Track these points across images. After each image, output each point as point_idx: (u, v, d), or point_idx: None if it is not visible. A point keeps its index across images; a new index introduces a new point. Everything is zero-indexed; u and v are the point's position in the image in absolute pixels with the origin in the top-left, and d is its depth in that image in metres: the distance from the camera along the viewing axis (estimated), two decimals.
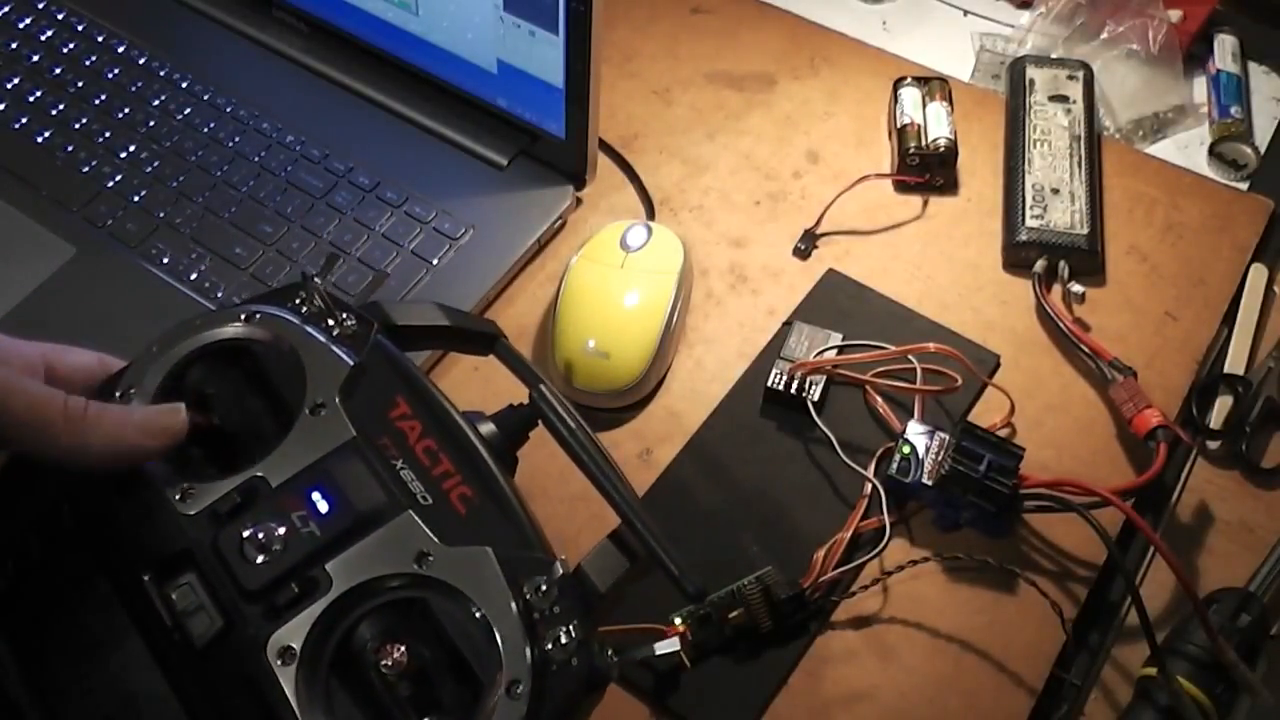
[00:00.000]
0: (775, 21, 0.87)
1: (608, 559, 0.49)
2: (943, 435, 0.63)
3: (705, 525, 0.63)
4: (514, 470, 0.53)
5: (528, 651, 0.44)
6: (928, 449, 0.63)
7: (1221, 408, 0.68)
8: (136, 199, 0.75)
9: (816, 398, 0.66)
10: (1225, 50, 0.84)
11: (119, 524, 0.47)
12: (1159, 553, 0.59)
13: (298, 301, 0.52)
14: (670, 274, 0.69)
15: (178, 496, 0.46)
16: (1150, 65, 0.82)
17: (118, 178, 0.76)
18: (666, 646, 0.53)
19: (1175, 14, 0.84)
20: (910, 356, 0.67)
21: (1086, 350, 0.69)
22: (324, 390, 0.49)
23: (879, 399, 0.67)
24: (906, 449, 0.63)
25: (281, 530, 0.45)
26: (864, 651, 0.60)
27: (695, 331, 0.71)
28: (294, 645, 0.44)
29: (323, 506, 0.46)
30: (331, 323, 0.51)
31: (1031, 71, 0.80)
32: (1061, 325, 0.70)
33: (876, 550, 0.61)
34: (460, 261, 0.73)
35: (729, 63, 0.85)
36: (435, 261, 0.72)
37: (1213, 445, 0.67)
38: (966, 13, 0.89)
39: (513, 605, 0.45)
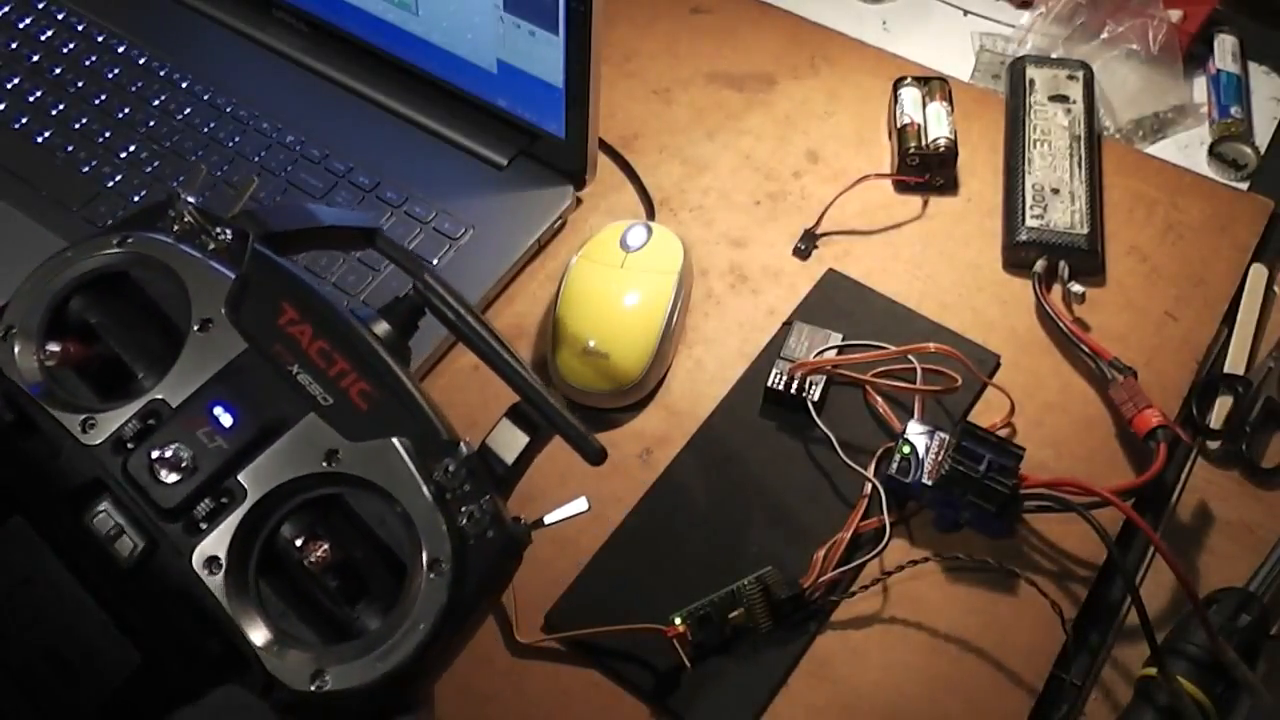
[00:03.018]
0: (775, 21, 0.87)
1: (510, 434, 0.50)
2: (943, 435, 0.63)
3: (705, 525, 0.63)
4: (408, 360, 0.54)
5: (444, 530, 0.46)
6: (928, 449, 0.63)
7: (1221, 408, 0.68)
8: (137, 199, 0.75)
9: (816, 398, 0.66)
10: (1225, 50, 0.84)
11: (26, 464, 0.48)
12: (1159, 553, 0.59)
13: (170, 220, 0.52)
14: (670, 274, 0.69)
15: (79, 429, 0.48)
16: (1150, 65, 0.82)
17: (118, 178, 0.76)
18: (573, 508, 0.53)
19: (1175, 14, 0.84)
20: (910, 356, 0.67)
21: (1086, 350, 0.69)
22: (209, 306, 0.50)
23: (879, 399, 0.67)
24: (906, 449, 0.63)
25: (189, 448, 0.47)
26: (864, 651, 0.60)
27: (695, 331, 0.71)
28: (219, 555, 0.46)
29: (226, 420, 0.48)
30: (206, 238, 0.51)
31: (1031, 71, 0.80)
32: (1061, 325, 0.70)
33: (876, 550, 0.61)
34: (460, 261, 0.73)
35: (729, 63, 0.85)
36: (435, 261, 0.72)
37: (1213, 445, 0.67)
38: (966, 13, 0.89)
39: (424, 489, 0.47)
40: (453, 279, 0.71)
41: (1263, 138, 0.81)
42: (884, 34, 0.88)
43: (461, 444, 0.48)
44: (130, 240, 0.51)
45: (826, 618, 0.61)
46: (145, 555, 0.46)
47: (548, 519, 0.52)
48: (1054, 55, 0.83)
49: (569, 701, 0.59)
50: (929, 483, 0.62)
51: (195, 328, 0.49)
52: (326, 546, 0.47)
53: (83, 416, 0.48)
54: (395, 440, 0.47)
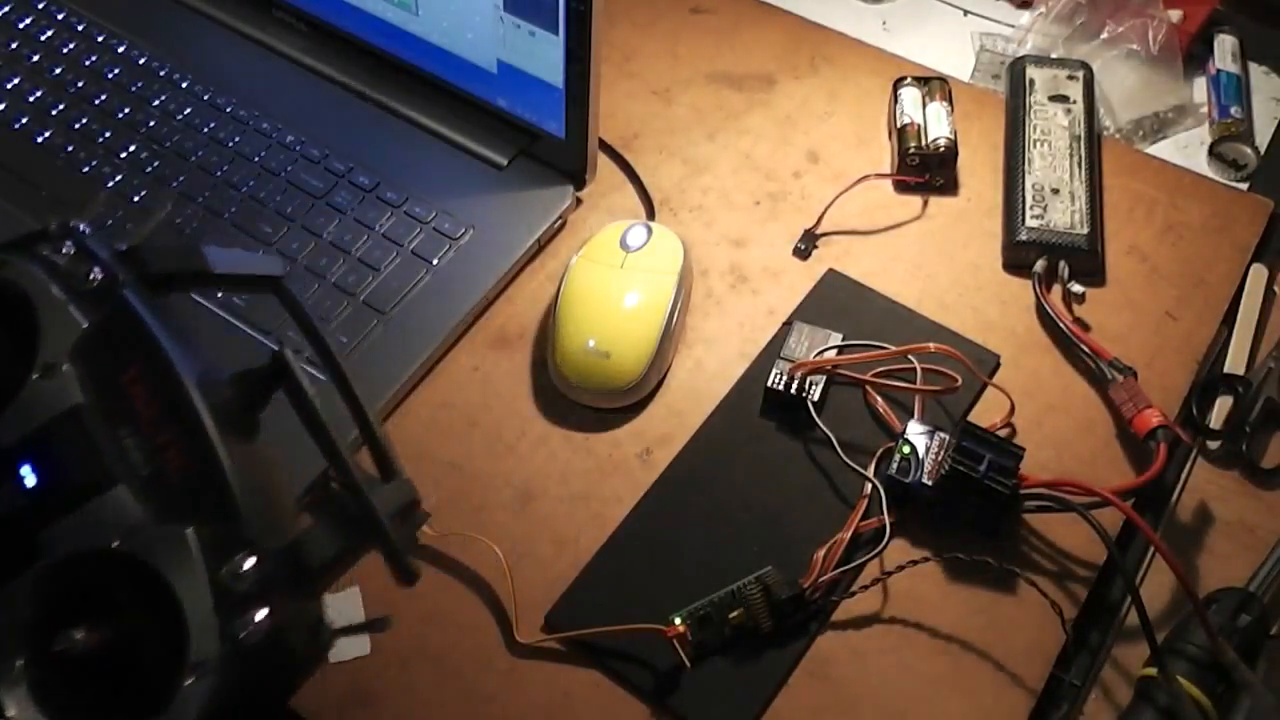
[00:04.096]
0: (775, 21, 0.87)
1: (327, 535, 0.47)
2: (943, 435, 0.63)
3: (705, 525, 0.63)
4: (254, 432, 0.50)
5: (216, 633, 0.43)
6: (928, 449, 0.63)
7: (1221, 408, 0.68)
8: (137, 199, 0.75)
9: (816, 398, 0.66)
10: (1225, 50, 0.84)
11: None
12: (1159, 553, 0.59)
13: (50, 249, 0.49)
14: (670, 274, 0.69)
15: None
16: (1150, 65, 0.82)
17: (118, 178, 0.76)
18: (379, 626, 0.50)
19: (1175, 14, 0.84)
20: (910, 356, 0.67)
21: (1086, 350, 0.69)
22: (55, 352, 0.47)
23: (879, 399, 0.67)
24: (906, 449, 0.63)
25: None
26: (864, 651, 0.60)
27: (695, 331, 0.71)
28: None
29: (30, 479, 0.45)
30: (77, 277, 0.48)
31: (1031, 71, 0.80)
32: (1061, 325, 0.70)
33: (876, 550, 0.61)
34: (460, 261, 0.73)
35: (729, 63, 0.85)
36: (435, 261, 0.72)
37: (1213, 445, 0.67)
38: (966, 13, 0.89)
39: (206, 585, 0.44)
40: (453, 279, 0.72)
41: (1263, 138, 0.81)
42: (884, 34, 0.88)
43: (263, 542, 0.45)
44: (2, 265, 0.48)
45: (826, 618, 0.61)
46: None
47: (333, 656, 0.49)
48: (1054, 55, 0.83)
49: (569, 701, 0.59)
50: (929, 483, 0.62)
51: (36, 373, 0.46)
52: (95, 632, 0.43)
53: None
54: (190, 530, 0.44)
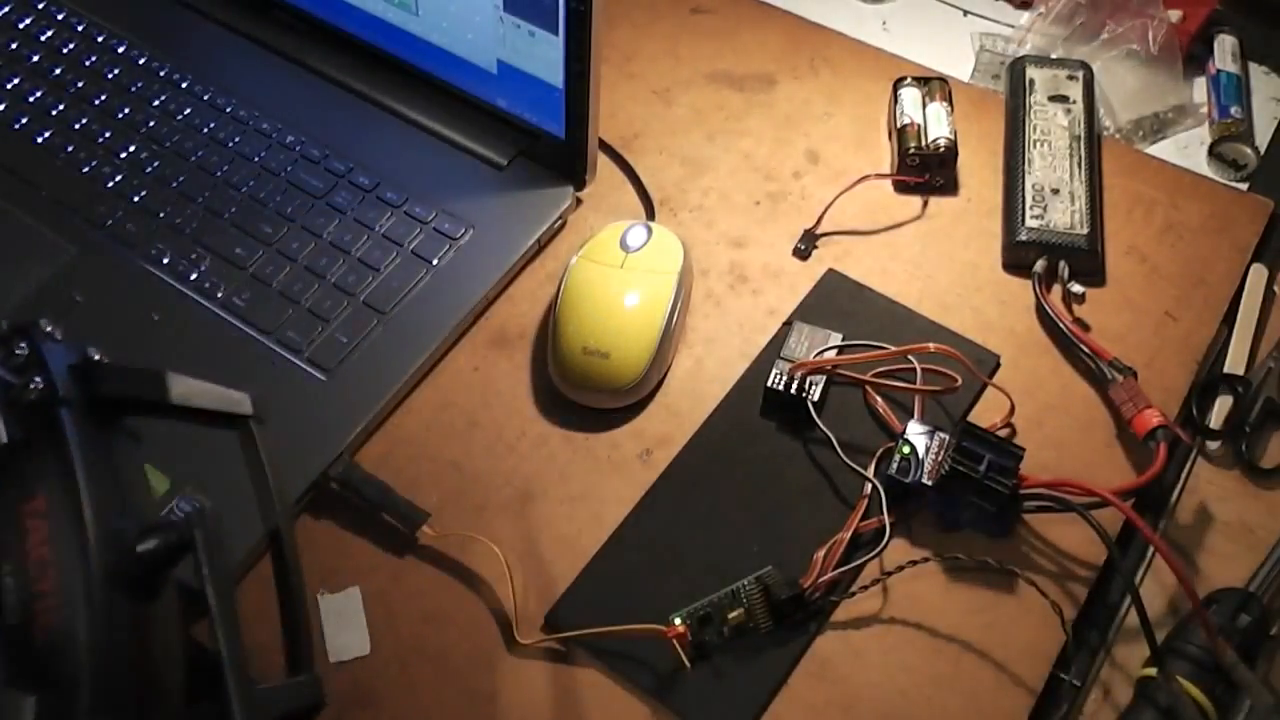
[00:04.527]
0: (775, 21, 0.87)
1: None
2: (943, 435, 0.63)
3: (705, 525, 0.63)
4: (153, 597, 0.44)
5: None
6: (928, 449, 0.63)
7: (1221, 408, 0.68)
8: (137, 199, 0.75)
9: (816, 398, 0.66)
10: (1225, 50, 0.84)
11: None
12: (1159, 553, 0.59)
13: (1, 349, 0.45)
14: (670, 274, 0.69)
15: None
16: (1150, 65, 0.82)
17: (118, 178, 0.76)
18: (346, 602, 0.47)
19: (1175, 14, 0.84)
20: (910, 356, 0.67)
21: (1086, 350, 0.69)
22: None
23: (879, 399, 0.67)
24: (906, 449, 0.63)
25: None
26: (864, 651, 0.60)
27: (695, 331, 0.71)
28: None
29: None
30: (16, 384, 0.44)
31: (1031, 71, 0.80)
32: (1061, 325, 0.70)
33: (876, 550, 0.61)
34: (460, 261, 0.73)
35: (729, 63, 0.85)
36: (435, 261, 0.72)
37: (1213, 445, 0.67)
38: (966, 13, 0.89)
39: None
40: (453, 279, 0.72)
41: (1263, 138, 0.81)
42: (884, 34, 0.88)
43: None
44: None
45: (826, 618, 0.61)
46: None
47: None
48: (1054, 55, 0.83)
49: (569, 701, 0.59)
50: (929, 483, 0.62)
51: None
52: None
53: None
54: (31, 701, 0.39)
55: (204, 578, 0.44)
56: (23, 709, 0.39)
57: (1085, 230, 0.73)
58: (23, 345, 0.45)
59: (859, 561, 0.61)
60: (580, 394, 0.67)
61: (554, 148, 0.75)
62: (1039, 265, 0.72)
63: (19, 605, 0.41)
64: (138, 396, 0.47)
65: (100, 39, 0.83)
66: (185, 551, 0.44)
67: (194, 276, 0.72)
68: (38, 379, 0.44)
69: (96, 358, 0.47)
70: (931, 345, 0.66)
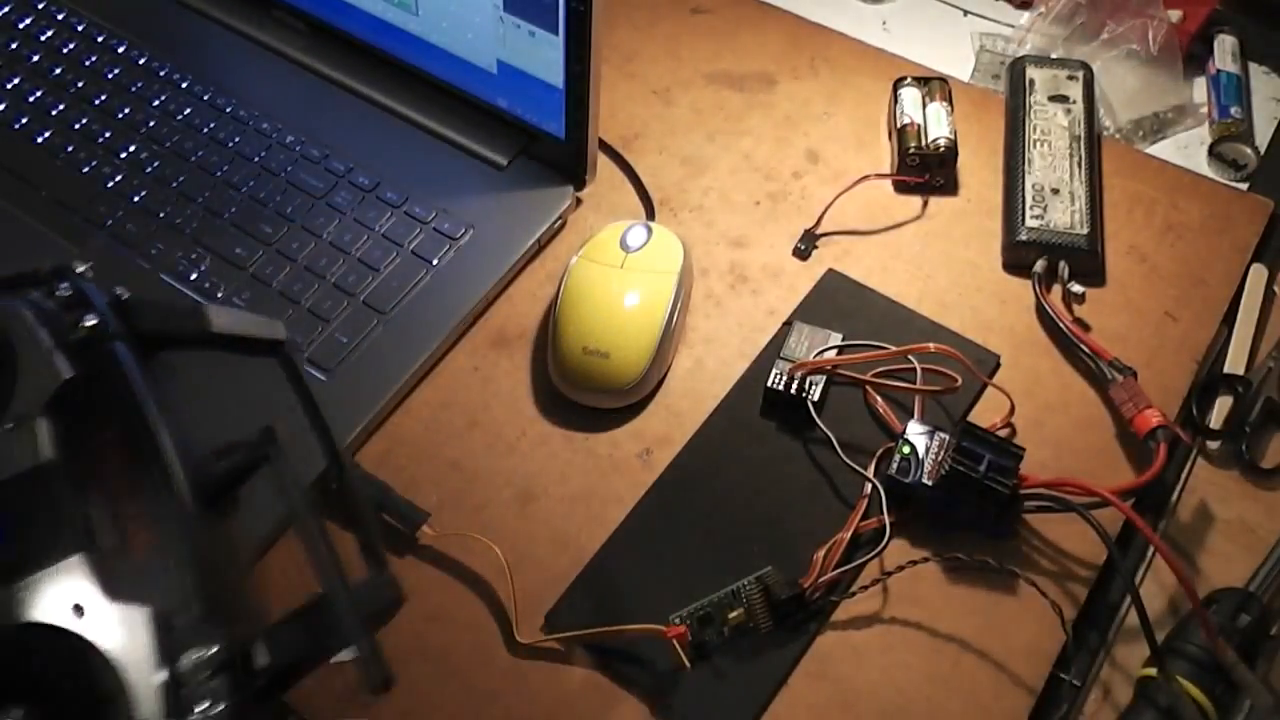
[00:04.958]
0: (775, 21, 0.87)
1: (289, 636, 0.43)
2: (943, 435, 0.63)
3: (705, 525, 0.63)
4: (233, 509, 0.47)
5: None
6: (928, 449, 0.63)
7: (1221, 408, 0.68)
8: (137, 199, 0.75)
9: (816, 398, 0.66)
10: (1225, 50, 0.84)
11: None
12: (1159, 553, 0.59)
13: (42, 291, 0.46)
14: (670, 274, 0.69)
15: None
16: (1150, 65, 0.82)
17: (118, 178, 0.76)
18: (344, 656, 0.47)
19: (1175, 14, 0.84)
20: (910, 356, 0.67)
21: (1086, 350, 0.69)
22: (29, 403, 0.43)
23: (879, 399, 0.67)
24: (906, 449, 0.63)
25: None
26: (864, 652, 0.60)
27: (695, 331, 0.71)
28: None
29: None
30: (67, 324, 0.45)
31: (1031, 71, 0.80)
32: (1061, 325, 0.70)
33: (876, 550, 0.61)
34: (460, 261, 0.73)
35: (729, 63, 0.85)
36: (435, 261, 0.72)
37: (1213, 445, 0.67)
38: (966, 13, 0.89)
39: (156, 676, 0.40)
40: (453, 279, 0.72)
41: (1263, 138, 0.81)
42: (884, 34, 0.88)
43: (221, 635, 0.41)
44: None
45: (826, 618, 0.61)
46: None
47: None
48: (1054, 55, 0.83)
49: (569, 701, 0.59)
50: (929, 483, 0.62)
51: (9, 424, 0.43)
52: (21, 714, 0.40)
53: None
54: (149, 611, 0.41)
55: (286, 486, 0.45)
56: (143, 624, 0.41)
57: (1085, 230, 0.73)
58: (65, 285, 0.46)
59: (859, 561, 0.61)
60: (580, 394, 0.67)
61: (554, 148, 0.75)
62: (1039, 265, 0.72)
63: (112, 530, 0.42)
64: (180, 328, 0.48)
65: (100, 39, 0.83)
66: (258, 467, 0.46)
67: (194, 276, 0.72)
68: (86, 316, 0.45)
69: (126, 296, 0.48)
70: (931, 345, 0.66)
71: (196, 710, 0.40)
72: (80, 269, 0.47)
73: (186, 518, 0.43)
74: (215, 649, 0.41)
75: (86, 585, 0.41)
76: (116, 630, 0.41)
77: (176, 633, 0.41)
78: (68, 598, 0.41)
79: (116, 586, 0.41)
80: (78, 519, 0.42)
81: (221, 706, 0.40)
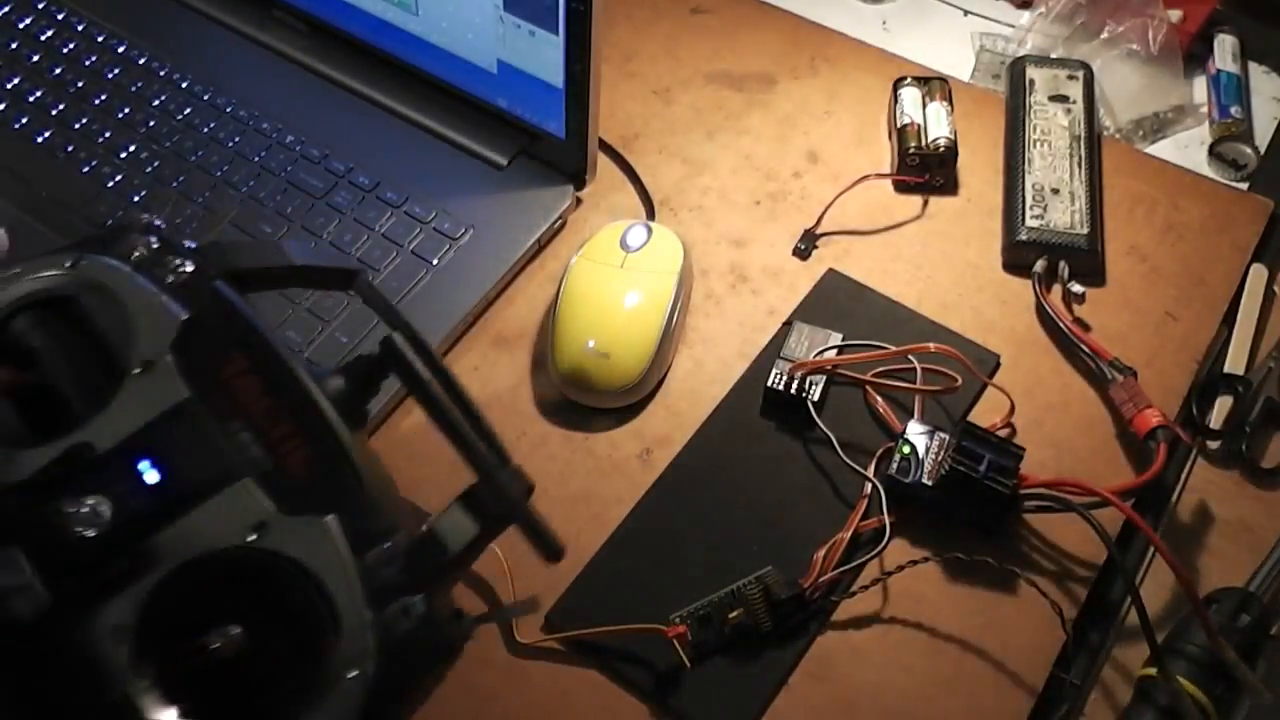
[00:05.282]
0: (775, 21, 0.87)
1: (459, 520, 0.46)
2: (943, 435, 0.63)
3: (705, 525, 0.63)
4: (364, 423, 0.50)
5: (370, 624, 0.42)
6: (928, 449, 0.63)
7: (1221, 408, 0.68)
8: (137, 199, 0.75)
9: (816, 398, 0.66)
10: (1225, 50, 0.84)
11: None
12: (1159, 553, 0.59)
13: (129, 245, 0.48)
14: (670, 274, 0.69)
15: None
16: (1150, 65, 0.82)
17: (118, 178, 0.76)
18: (521, 610, 0.49)
19: (1175, 14, 0.84)
20: (910, 356, 0.67)
21: (1086, 350, 0.69)
22: (153, 346, 0.45)
23: (879, 399, 0.67)
24: (906, 449, 0.63)
25: (108, 502, 0.42)
26: (864, 651, 0.60)
27: (695, 331, 0.71)
28: (125, 623, 0.42)
29: (151, 476, 0.43)
30: (164, 270, 0.47)
31: (1031, 71, 0.80)
32: (1061, 325, 0.70)
33: (876, 550, 0.61)
34: (460, 261, 0.73)
35: (729, 63, 0.85)
36: (435, 261, 0.72)
37: (1213, 445, 0.67)
38: (966, 13, 0.89)
39: (354, 576, 0.43)
40: (453, 279, 0.72)
41: (1263, 138, 0.81)
42: (884, 34, 0.88)
43: (403, 530, 0.44)
44: (83, 262, 0.47)
45: (826, 618, 0.61)
46: (48, 613, 0.41)
47: (491, 618, 0.48)
48: (1054, 55, 0.83)
49: (569, 701, 0.59)
50: (929, 483, 0.62)
51: (136, 369, 0.45)
52: (240, 630, 0.42)
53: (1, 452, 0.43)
54: (330, 519, 0.43)
55: (425, 381, 0.48)
56: (329, 530, 0.43)
57: (1085, 230, 0.73)
58: (151, 239, 0.48)
59: (859, 561, 0.61)
60: (580, 394, 0.67)
61: (554, 148, 0.75)
62: (1039, 265, 0.72)
63: (266, 452, 0.44)
64: (266, 265, 0.50)
65: (100, 39, 0.83)
66: (384, 377, 0.49)
67: (160, 231, 0.71)
68: (180, 263, 0.47)
69: (195, 244, 0.50)
70: (932, 345, 0.66)
71: (398, 602, 0.43)
72: (157, 221, 0.49)
73: (334, 431, 0.45)
74: (396, 542, 0.44)
75: (261, 505, 0.44)
76: (301, 540, 0.43)
77: (356, 534, 0.43)
78: (246, 519, 0.43)
79: (288, 501, 0.44)
80: (233, 446, 0.44)
81: (418, 595, 0.43)
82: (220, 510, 0.44)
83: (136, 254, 0.48)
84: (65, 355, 0.47)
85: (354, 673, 0.42)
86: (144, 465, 0.44)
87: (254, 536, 0.43)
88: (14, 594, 0.42)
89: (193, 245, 0.49)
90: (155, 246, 0.48)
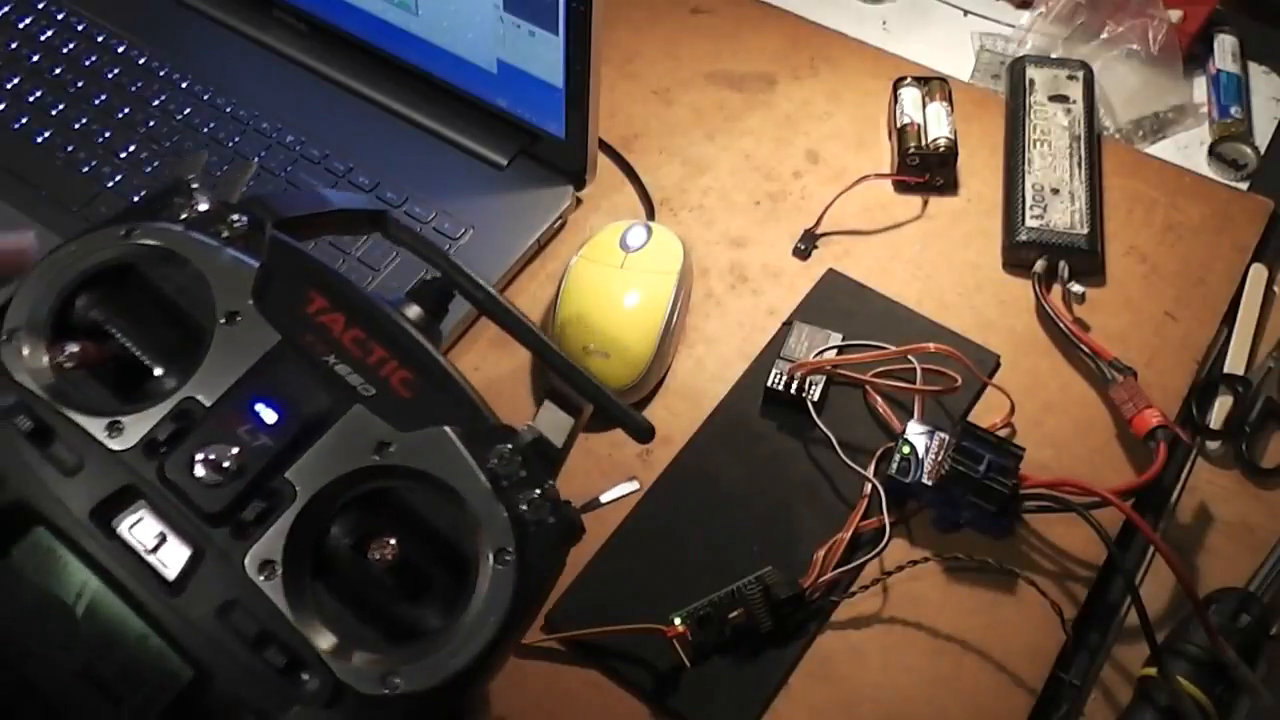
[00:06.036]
0: (775, 21, 0.87)
1: (554, 416, 0.49)
2: (943, 435, 0.63)
3: (705, 525, 0.63)
4: (440, 344, 0.52)
5: (506, 518, 0.45)
6: (928, 449, 0.63)
7: (1221, 408, 0.68)
8: (136, 199, 0.75)
9: (816, 398, 0.66)
10: (1225, 50, 0.84)
11: (47, 474, 0.45)
12: (1159, 553, 0.59)
13: (178, 207, 0.50)
14: (670, 274, 0.69)
15: (105, 434, 0.45)
16: (1150, 65, 0.82)
17: (118, 178, 0.76)
18: (625, 489, 0.51)
19: (1175, 14, 0.84)
20: (910, 356, 0.67)
21: (1086, 350, 0.69)
22: (234, 298, 0.47)
23: (879, 399, 0.67)
24: (906, 449, 0.63)
25: (233, 448, 0.44)
26: (864, 652, 0.60)
27: (695, 331, 0.71)
28: (273, 558, 0.43)
29: (269, 416, 0.45)
30: (221, 225, 0.49)
31: (1031, 71, 0.80)
32: (1061, 325, 0.70)
33: (876, 550, 0.61)
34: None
35: (729, 63, 0.85)
36: None
37: (1213, 445, 0.67)
38: (966, 13, 0.89)
39: (482, 477, 0.45)
40: None
41: (1263, 138, 0.81)
42: (884, 34, 0.88)
43: (519, 429, 0.47)
44: (137, 231, 0.49)
45: (826, 618, 0.61)
46: (191, 565, 0.43)
47: (603, 498, 0.50)
48: (1054, 55, 0.83)
49: (569, 701, 0.59)
50: (929, 483, 0.62)
51: (222, 320, 0.47)
52: (393, 543, 0.44)
53: (107, 420, 0.45)
54: (447, 428, 0.45)
55: (491, 295, 0.51)
56: (449, 438, 0.46)
57: (1085, 230, 0.73)
58: (195, 199, 0.50)
59: (859, 561, 0.61)
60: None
61: (554, 148, 0.75)
62: (1039, 265, 0.72)
63: (367, 379, 0.46)
64: (309, 210, 0.52)
65: (100, 39, 0.83)
66: (450, 294, 0.53)
67: (213, 191, 0.71)
68: (235, 216, 0.49)
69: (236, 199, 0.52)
70: (931, 345, 0.66)
71: (524, 495, 0.45)
72: (194, 181, 0.50)
73: (426, 350, 0.47)
74: (512, 443, 0.46)
75: (377, 426, 0.46)
76: (424, 452, 0.45)
77: (470, 439, 0.46)
78: (367, 441, 0.45)
79: (402, 419, 0.46)
80: (335, 378, 0.46)
81: (545, 484, 0.46)
82: (341, 438, 0.45)
83: (185, 214, 0.49)
84: (137, 322, 0.49)
85: (500, 565, 0.44)
86: (259, 407, 0.45)
87: (378, 457, 0.45)
88: (150, 552, 0.43)
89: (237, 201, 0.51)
90: (204, 207, 0.49)
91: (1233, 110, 0.81)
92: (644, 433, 0.50)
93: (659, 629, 0.58)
